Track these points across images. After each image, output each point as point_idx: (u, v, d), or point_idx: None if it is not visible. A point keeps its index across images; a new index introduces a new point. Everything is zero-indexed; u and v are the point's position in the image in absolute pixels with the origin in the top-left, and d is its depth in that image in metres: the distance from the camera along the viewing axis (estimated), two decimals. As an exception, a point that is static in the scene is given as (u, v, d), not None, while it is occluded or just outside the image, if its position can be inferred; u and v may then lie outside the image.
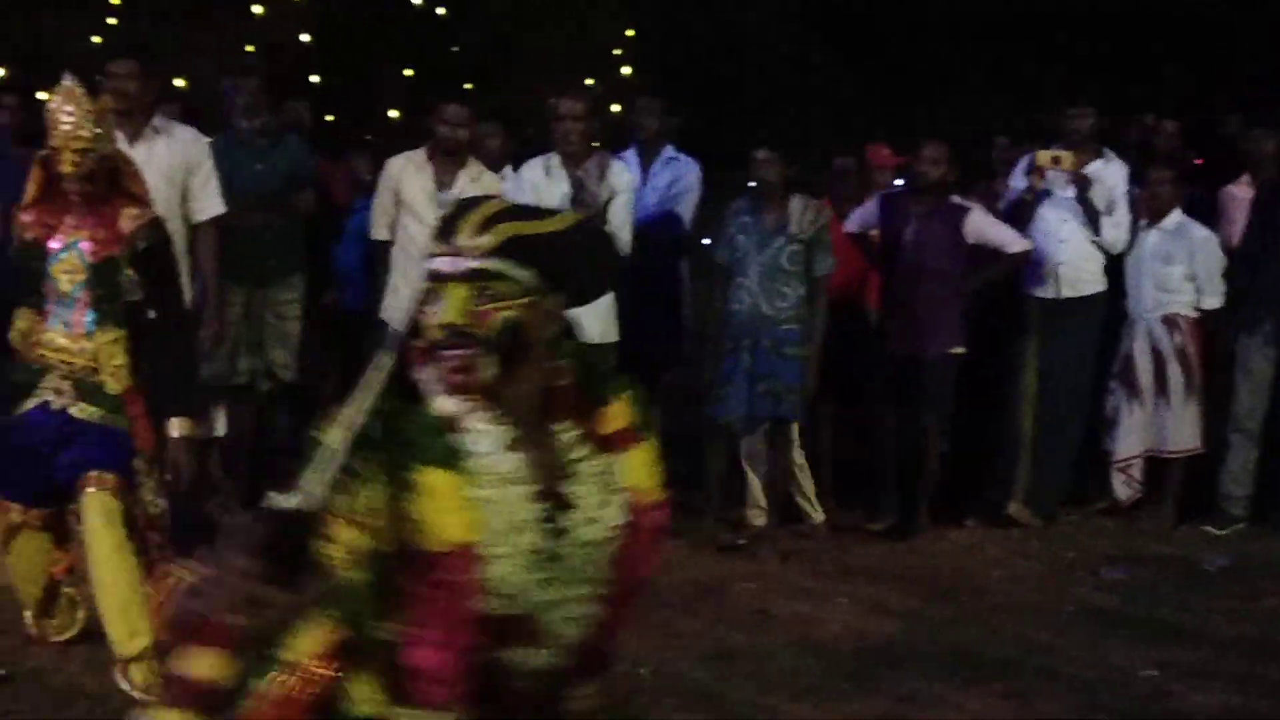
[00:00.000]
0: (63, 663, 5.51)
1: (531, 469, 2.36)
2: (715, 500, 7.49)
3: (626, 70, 12.05)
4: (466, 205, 2.35)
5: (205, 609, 2.05)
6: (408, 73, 12.46)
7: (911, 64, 12.14)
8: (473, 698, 2.34)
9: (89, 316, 4.96)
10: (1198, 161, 8.97)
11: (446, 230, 2.33)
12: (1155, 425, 7.86)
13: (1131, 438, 7.87)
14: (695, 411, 7.63)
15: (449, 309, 2.28)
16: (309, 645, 2.29)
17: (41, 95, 9.30)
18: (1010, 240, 7.56)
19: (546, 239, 2.30)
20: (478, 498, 2.31)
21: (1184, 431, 7.85)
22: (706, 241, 7.92)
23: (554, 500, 2.37)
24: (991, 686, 5.62)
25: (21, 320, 5.01)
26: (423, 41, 12.56)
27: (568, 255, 2.32)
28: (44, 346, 4.99)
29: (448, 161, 7.07)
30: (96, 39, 10.09)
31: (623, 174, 7.14)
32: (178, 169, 6.66)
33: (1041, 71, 11.23)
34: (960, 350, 7.51)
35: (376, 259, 7.36)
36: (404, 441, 2.29)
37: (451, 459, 2.30)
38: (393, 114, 12.08)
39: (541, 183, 7.07)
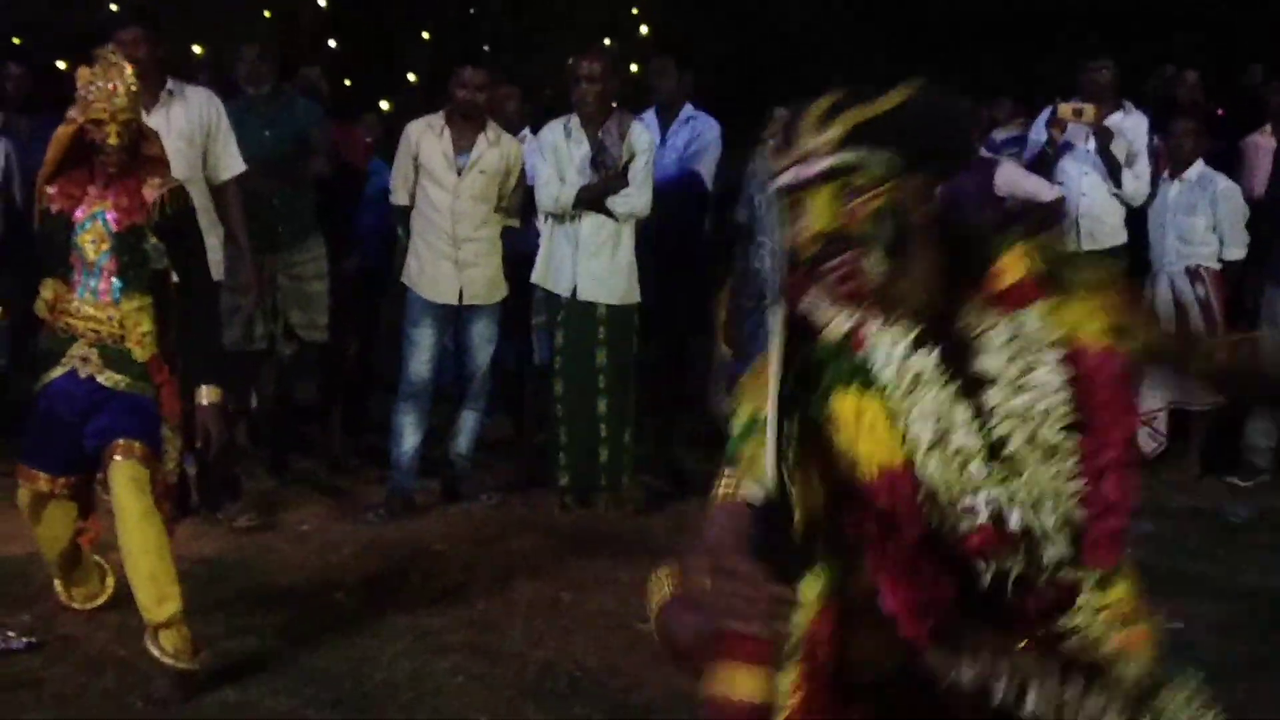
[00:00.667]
0: (92, 630, 5.55)
1: (945, 361, 2.18)
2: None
3: (644, 30, 12.01)
4: (797, 110, 2.21)
5: (725, 622, 1.93)
6: (425, 36, 12.44)
7: (935, 17, 12.05)
8: (969, 624, 2.17)
9: (115, 284, 4.98)
10: (1219, 113, 8.91)
11: (786, 140, 2.18)
12: (1179, 378, 7.82)
13: (1155, 390, 7.85)
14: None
15: (817, 216, 2.12)
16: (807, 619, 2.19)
17: (59, 64, 9.34)
18: (1043, 189, 7.54)
19: (890, 117, 2.14)
20: (898, 409, 2.16)
21: (1208, 384, 7.81)
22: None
23: (973, 384, 2.18)
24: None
25: (47, 290, 5.02)
26: (440, 5, 12.52)
27: (918, 128, 2.16)
28: (71, 315, 5.01)
29: (465, 125, 7.06)
30: (113, 6, 10.07)
31: (642, 135, 7.11)
32: (196, 131, 6.67)
33: (1059, 27, 11.15)
34: None
35: (396, 223, 7.38)
36: (808, 374, 2.17)
37: (861, 375, 2.16)
38: (411, 78, 12.06)
39: (561, 144, 7.05)
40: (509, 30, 11.96)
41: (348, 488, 7.64)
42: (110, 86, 4.81)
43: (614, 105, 7.19)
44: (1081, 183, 7.72)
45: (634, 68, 10.59)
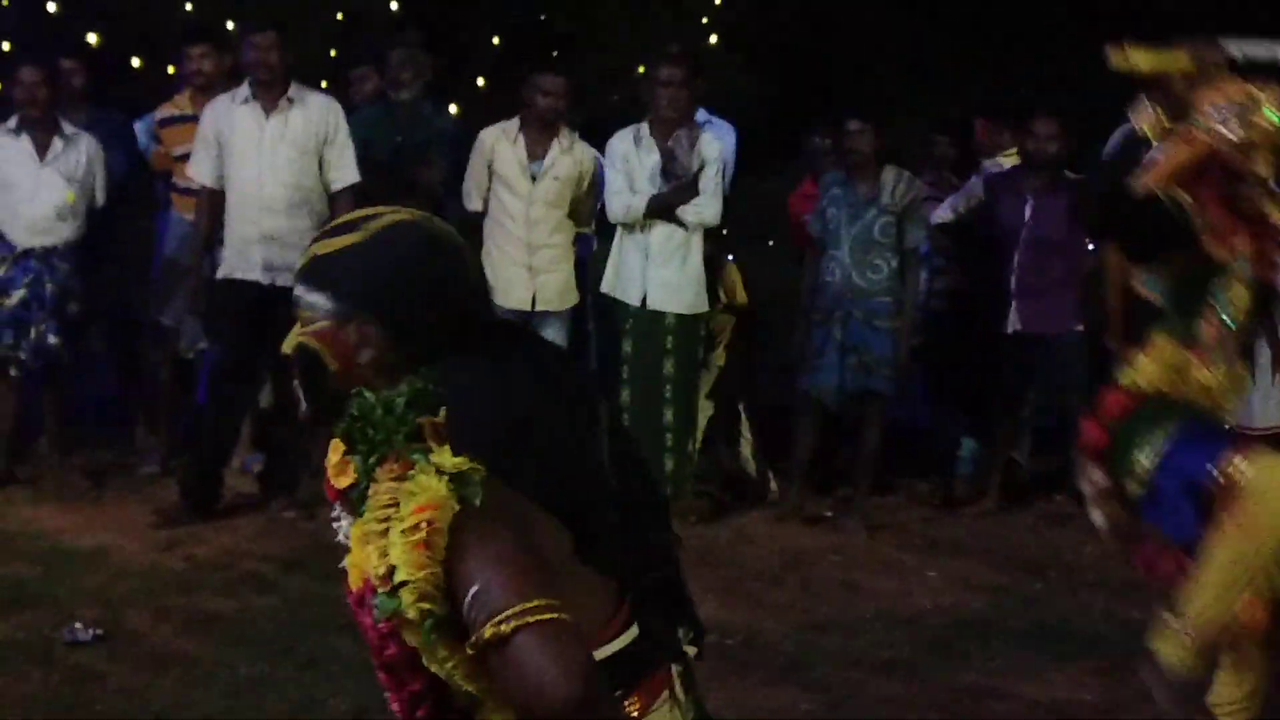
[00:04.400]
0: (157, 624, 5.61)
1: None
2: (801, 471, 7.44)
3: (714, 39, 11.98)
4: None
5: None
6: (495, 41, 12.44)
7: (1005, 32, 11.91)
8: None
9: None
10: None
11: None
12: None
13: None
14: (787, 382, 7.65)
15: (288, 337, 2.20)
16: None
17: (135, 61, 9.39)
18: None
19: (340, 256, 2.13)
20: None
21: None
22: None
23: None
24: (1081, 663, 5.60)
25: (1166, 354, 4.05)
26: (510, 9, 12.52)
27: (364, 270, 2.12)
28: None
29: (540, 132, 7.07)
30: (189, 6, 10.14)
31: (712, 144, 7.08)
32: (312, 138, 6.76)
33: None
34: (1082, 327, 7.38)
35: (470, 231, 7.36)
36: None
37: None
38: (480, 82, 12.07)
39: (631, 153, 7.05)
40: (578, 36, 11.95)
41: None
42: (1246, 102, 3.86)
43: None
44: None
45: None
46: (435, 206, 7.39)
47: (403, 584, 1.93)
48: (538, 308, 7.08)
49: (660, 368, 7.08)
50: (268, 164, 6.74)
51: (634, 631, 2.16)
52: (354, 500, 2.06)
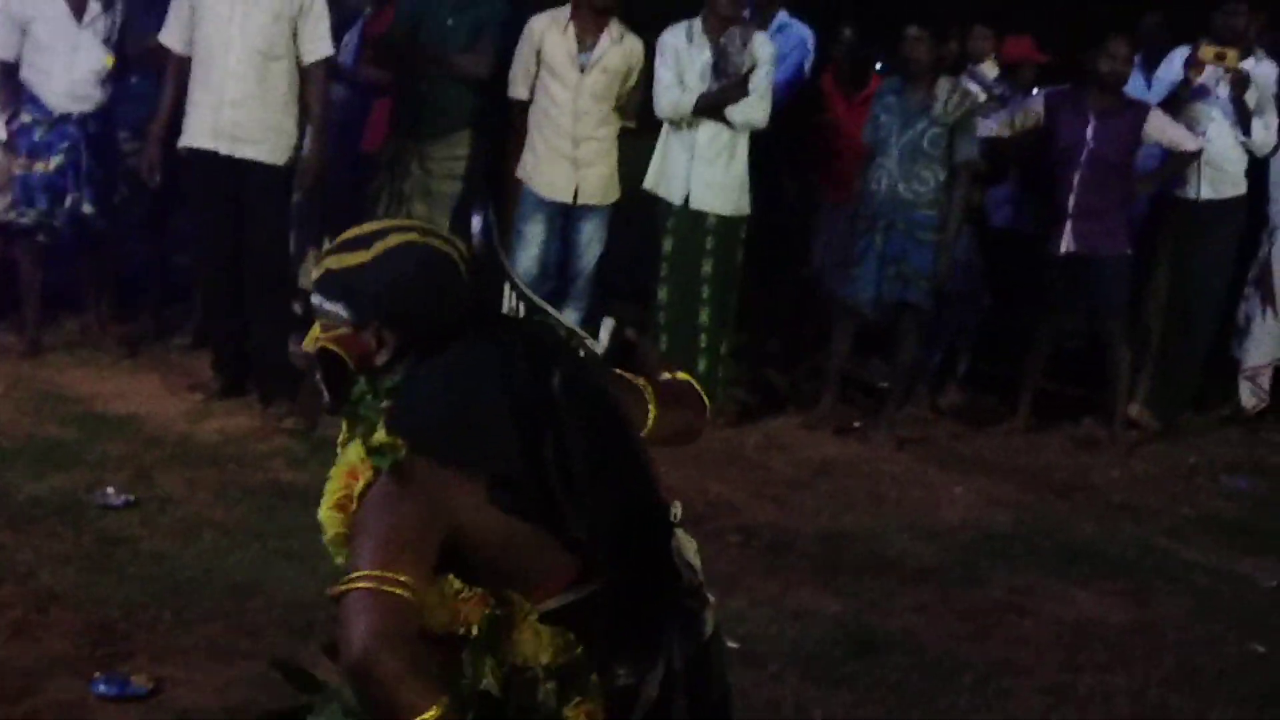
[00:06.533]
0: (191, 492, 5.63)
1: None
2: (835, 381, 7.41)
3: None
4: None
5: None
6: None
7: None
8: None
9: None
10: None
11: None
12: None
13: (1262, 346, 7.77)
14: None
15: (308, 336, 2.45)
16: None
17: None
18: (1186, 140, 7.33)
19: (352, 272, 2.37)
20: None
21: (1317, 343, 7.71)
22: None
23: None
24: (1107, 584, 5.63)
25: None
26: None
27: (373, 287, 2.35)
28: None
29: (591, 22, 6.97)
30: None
31: (765, 45, 6.95)
32: (284, 6, 6.50)
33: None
34: (1129, 251, 7.33)
35: (513, 118, 7.28)
36: None
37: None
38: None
39: (683, 49, 6.94)
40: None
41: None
42: None
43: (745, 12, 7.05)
44: (1209, 130, 7.53)
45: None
46: (480, 93, 7.34)
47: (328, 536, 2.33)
48: (580, 201, 7.04)
49: (699, 268, 7.03)
50: (238, 30, 6.47)
51: (592, 587, 2.36)
52: None
